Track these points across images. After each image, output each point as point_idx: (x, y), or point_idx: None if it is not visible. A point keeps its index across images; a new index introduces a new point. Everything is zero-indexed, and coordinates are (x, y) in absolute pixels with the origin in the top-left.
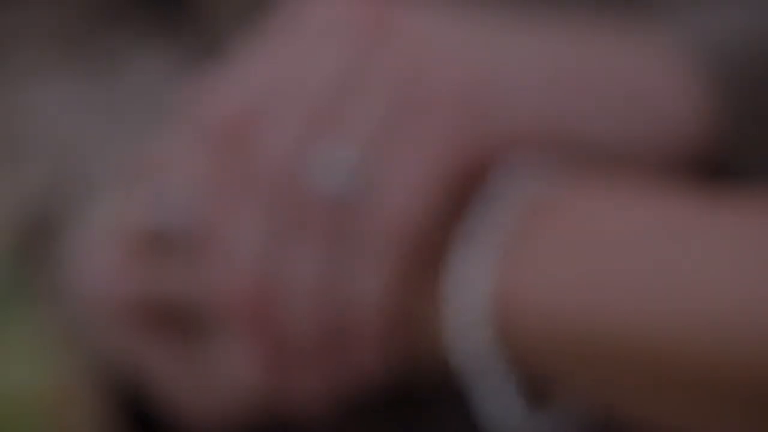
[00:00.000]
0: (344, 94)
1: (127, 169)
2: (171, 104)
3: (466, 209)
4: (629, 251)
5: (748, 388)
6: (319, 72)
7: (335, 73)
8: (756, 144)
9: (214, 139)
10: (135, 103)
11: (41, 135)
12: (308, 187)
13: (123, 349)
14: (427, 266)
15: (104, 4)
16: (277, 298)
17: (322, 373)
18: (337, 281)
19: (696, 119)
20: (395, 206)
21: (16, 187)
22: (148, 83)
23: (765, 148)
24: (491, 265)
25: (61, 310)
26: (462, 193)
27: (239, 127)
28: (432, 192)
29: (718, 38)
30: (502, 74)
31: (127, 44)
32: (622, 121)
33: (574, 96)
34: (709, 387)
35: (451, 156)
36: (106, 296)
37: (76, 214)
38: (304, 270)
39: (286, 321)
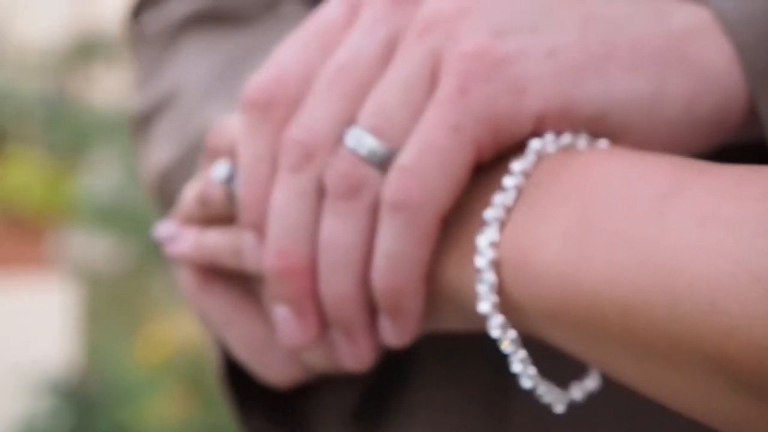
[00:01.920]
0: (373, 64)
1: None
2: None
3: (493, 178)
4: (612, 205)
5: (708, 361)
6: (351, 43)
7: (366, 43)
8: None
9: (249, 111)
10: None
11: (182, 110)
12: (342, 157)
13: (195, 305)
14: (458, 233)
15: None
16: (316, 265)
17: (364, 334)
18: (373, 248)
19: (731, 80)
20: (417, 174)
21: (154, 158)
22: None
23: None
24: (497, 228)
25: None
26: (491, 164)
27: (271, 100)
28: (455, 162)
29: (745, 6)
30: (534, 45)
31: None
32: (655, 82)
33: (604, 63)
34: (667, 355)
35: (477, 128)
36: (170, 254)
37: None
38: (343, 238)
39: (327, 287)
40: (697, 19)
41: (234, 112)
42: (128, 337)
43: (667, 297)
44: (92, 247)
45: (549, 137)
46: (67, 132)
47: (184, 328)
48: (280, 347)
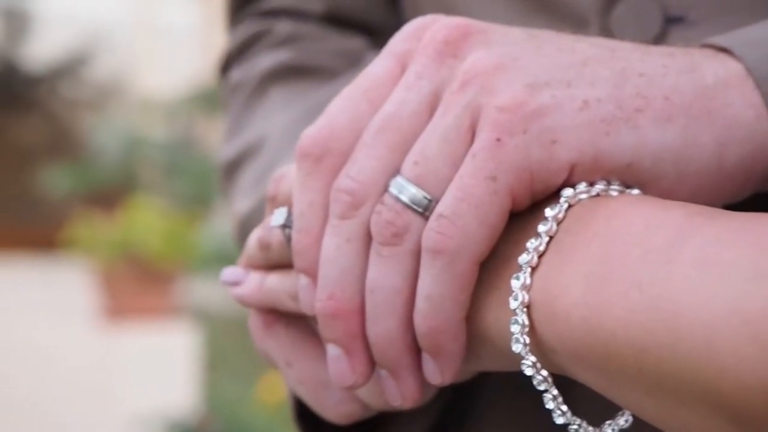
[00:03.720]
0: (417, 117)
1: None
2: None
3: (528, 224)
4: (628, 251)
5: (708, 399)
6: (396, 97)
7: (411, 96)
8: None
9: (302, 161)
10: None
11: (263, 160)
12: (387, 205)
13: (258, 345)
14: (496, 277)
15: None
16: (364, 309)
17: (409, 374)
18: (415, 292)
19: (761, 132)
20: (455, 221)
21: (236, 206)
22: None
23: None
24: (528, 272)
25: None
26: (528, 210)
27: (322, 152)
28: (491, 210)
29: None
30: (567, 98)
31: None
32: (685, 133)
33: (636, 115)
34: (675, 393)
35: (512, 177)
36: (234, 297)
37: None
38: (388, 282)
39: (373, 328)
40: (728, 73)
41: None
42: (248, 380)
43: (671, 338)
44: (215, 293)
45: (581, 186)
46: (191, 179)
47: None
48: (330, 385)
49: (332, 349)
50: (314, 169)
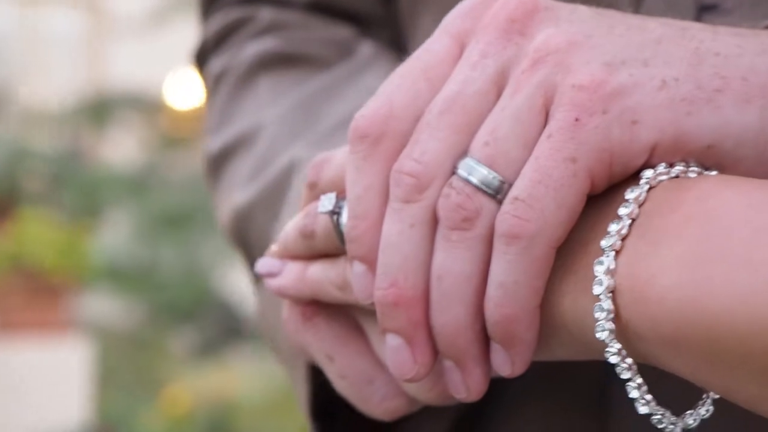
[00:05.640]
0: (483, 97)
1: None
2: None
3: (605, 207)
4: (732, 231)
5: None
6: (460, 76)
7: (475, 75)
8: None
9: (357, 143)
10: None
11: (261, 151)
12: (455, 187)
13: (294, 340)
14: (572, 262)
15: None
16: (427, 298)
17: (477, 365)
18: (486, 278)
19: None
20: (532, 205)
21: (231, 198)
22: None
23: None
24: (612, 256)
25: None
26: (601, 193)
27: (381, 133)
28: (570, 193)
29: None
30: (646, 77)
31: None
32: (765, 114)
33: (716, 95)
34: None
35: (592, 159)
36: (271, 289)
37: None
38: (457, 268)
39: (440, 317)
40: None
41: (318, 151)
42: (143, 395)
43: None
44: (106, 306)
45: (661, 167)
46: (79, 191)
47: (199, 383)
48: (383, 380)
49: (393, 339)
50: (372, 151)
